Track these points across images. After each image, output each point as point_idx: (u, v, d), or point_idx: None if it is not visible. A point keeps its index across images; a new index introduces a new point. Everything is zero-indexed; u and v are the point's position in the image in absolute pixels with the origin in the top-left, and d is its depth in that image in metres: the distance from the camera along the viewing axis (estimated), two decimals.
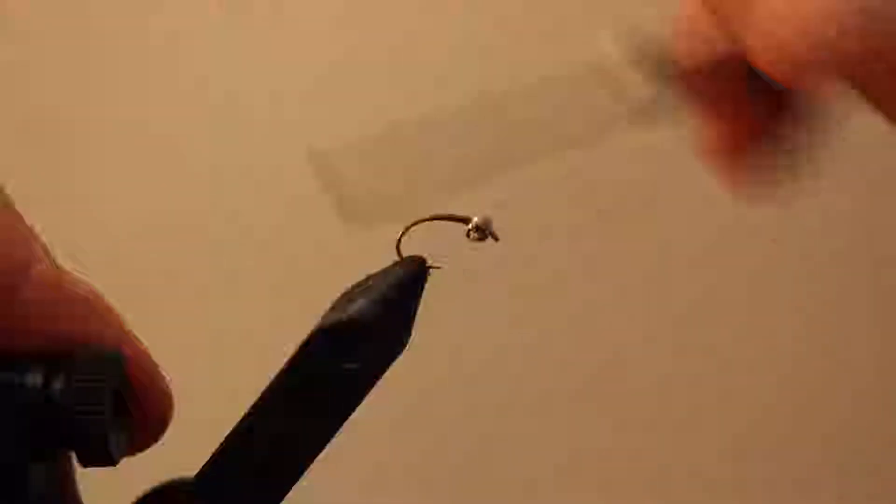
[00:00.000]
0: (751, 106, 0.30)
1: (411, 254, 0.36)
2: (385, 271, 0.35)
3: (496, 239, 0.36)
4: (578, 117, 0.31)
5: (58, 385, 0.32)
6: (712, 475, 0.86)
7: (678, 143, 0.87)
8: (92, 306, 0.34)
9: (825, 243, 0.85)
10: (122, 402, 0.33)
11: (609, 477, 0.86)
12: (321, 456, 0.34)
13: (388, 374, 0.34)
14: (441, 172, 0.31)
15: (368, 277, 0.36)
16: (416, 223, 0.36)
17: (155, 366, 0.35)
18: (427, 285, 0.35)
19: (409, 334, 0.34)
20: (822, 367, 0.86)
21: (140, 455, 0.35)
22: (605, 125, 0.30)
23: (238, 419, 0.34)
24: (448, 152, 0.31)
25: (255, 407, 0.34)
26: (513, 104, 0.32)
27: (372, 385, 0.34)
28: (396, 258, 0.36)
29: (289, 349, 0.34)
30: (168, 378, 0.35)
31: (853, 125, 0.32)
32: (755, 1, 0.27)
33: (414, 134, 0.31)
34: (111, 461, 0.33)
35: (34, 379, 0.32)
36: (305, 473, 0.34)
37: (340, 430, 0.34)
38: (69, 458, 0.34)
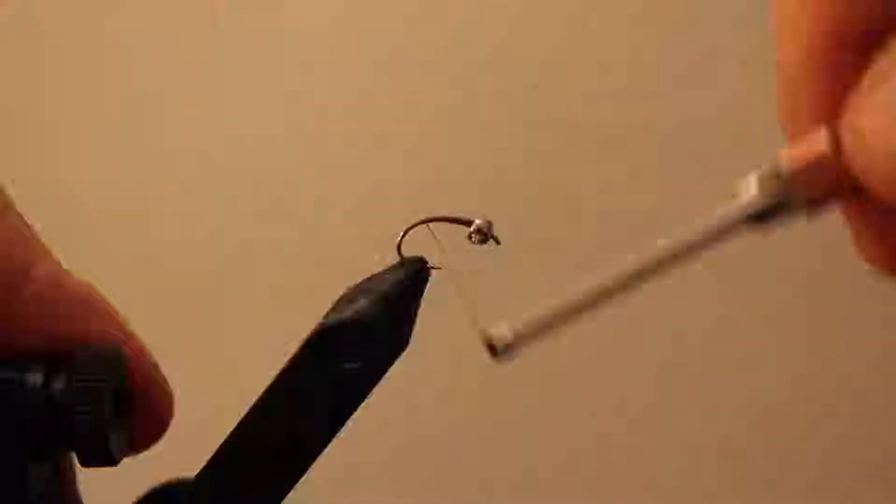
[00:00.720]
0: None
1: (412, 254, 0.36)
2: (386, 272, 0.35)
3: (497, 242, 0.36)
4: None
5: (58, 385, 0.32)
6: (711, 477, 0.86)
7: (682, 145, 0.86)
8: (92, 306, 0.34)
9: (826, 247, 0.85)
10: (122, 402, 0.33)
11: (609, 477, 0.86)
12: (321, 456, 0.34)
13: (388, 374, 0.34)
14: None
15: (369, 278, 0.36)
16: (417, 224, 0.36)
17: (155, 365, 0.35)
18: (427, 286, 0.35)
19: (409, 335, 0.34)
20: (823, 372, 0.86)
21: (140, 455, 0.35)
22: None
23: (238, 419, 0.34)
24: None
25: (255, 407, 0.34)
26: None
27: (373, 385, 0.34)
28: (397, 259, 0.36)
29: (289, 349, 0.34)
30: (168, 377, 0.35)
31: None
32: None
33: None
34: (111, 461, 0.33)
35: (34, 379, 0.32)
36: (306, 473, 0.34)
37: (341, 430, 0.34)
38: (69, 458, 0.34)
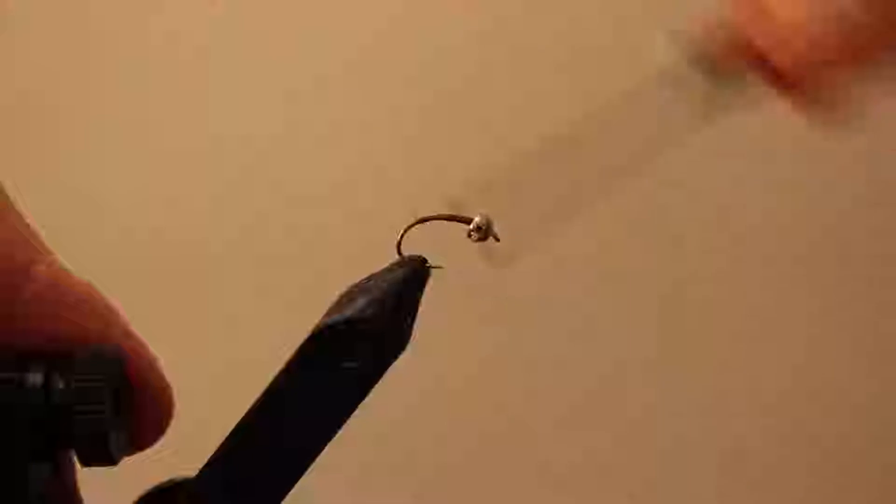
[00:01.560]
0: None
1: (412, 253, 0.36)
2: (386, 271, 0.35)
3: (497, 239, 0.36)
4: (653, 124, 0.35)
5: (58, 385, 0.32)
6: (705, 489, 0.86)
7: (687, 159, 0.87)
8: (92, 306, 0.34)
9: (825, 269, 0.85)
10: (122, 402, 0.33)
11: (604, 482, 0.86)
12: (321, 456, 0.34)
13: (388, 373, 0.34)
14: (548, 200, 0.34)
15: (369, 277, 0.35)
16: (416, 223, 0.36)
17: (155, 365, 0.35)
18: (427, 285, 0.35)
19: (409, 334, 0.34)
20: (818, 390, 0.86)
21: (140, 455, 0.35)
22: (681, 125, 0.35)
23: (238, 419, 0.34)
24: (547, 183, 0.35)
25: (255, 407, 0.34)
26: (590, 129, 0.36)
27: (372, 385, 0.34)
28: (397, 258, 0.36)
29: (289, 349, 0.34)
30: (168, 377, 0.35)
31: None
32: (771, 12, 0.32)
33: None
34: (111, 461, 0.33)
35: (34, 379, 0.32)
36: (306, 473, 0.34)
37: (341, 429, 0.34)
38: (69, 458, 0.34)
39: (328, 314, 0.34)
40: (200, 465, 0.34)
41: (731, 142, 0.84)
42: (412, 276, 0.35)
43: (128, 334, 0.34)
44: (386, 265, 0.36)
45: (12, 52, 0.86)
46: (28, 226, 0.34)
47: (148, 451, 0.35)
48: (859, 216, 0.85)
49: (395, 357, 0.34)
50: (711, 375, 0.86)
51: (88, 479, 0.35)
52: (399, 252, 0.36)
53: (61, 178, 0.85)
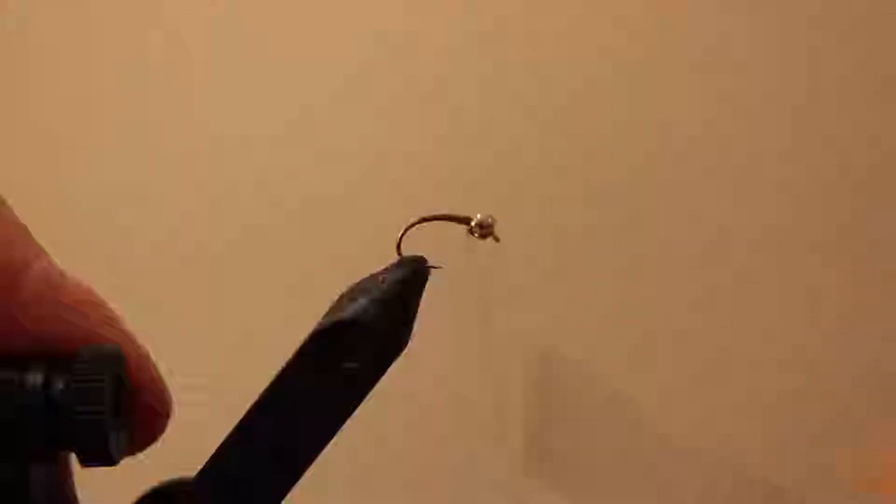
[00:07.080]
0: None
1: (412, 253, 0.36)
2: (386, 271, 0.35)
3: (497, 239, 0.36)
4: None
5: (58, 385, 0.32)
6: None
7: (681, 147, 0.87)
8: (91, 307, 0.34)
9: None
10: (122, 402, 0.33)
11: (606, 481, 0.87)
12: (322, 456, 0.34)
13: (388, 373, 0.34)
14: None
15: (369, 277, 0.35)
16: (416, 223, 0.36)
17: (154, 365, 0.35)
18: (427, 285, 0.35)
19: (409, 334, 0.34)
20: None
21: (140, 455, 0.35)
22: None
23: (238, 419, 0.34)
24: None
25: (255, 406, 0.34)
26: None
27: (372, 385, 0.34)
28: (397, 258, 0.36)
29: (290, 349, 0.34)
30: (168, 377, 0.35)
31: None
32: None
33: None
34: (111, 461, 0.33)
35: (34, 379, 0.32)
36: (306, 473, 0.34)
37: (341, 429, 0.34)
38: (69, 458, 0.34)
39: (329, 314, 0.34)
40: (200, 465, 0.34)
41: None
42: (412, 276, 0.35)
43: (127, 335, 0.34)
44: (386, 265, 0.36)
45: (12, 53, 0.86)
46: (24, 226, 0.34)
47: (148, 451, 0.35)
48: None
49: (395, 358, 0.34)
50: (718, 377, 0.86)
51: (88, 479, 0.35)
52: (399, 252, 0.36)
53: (59, 180, 0.85)
